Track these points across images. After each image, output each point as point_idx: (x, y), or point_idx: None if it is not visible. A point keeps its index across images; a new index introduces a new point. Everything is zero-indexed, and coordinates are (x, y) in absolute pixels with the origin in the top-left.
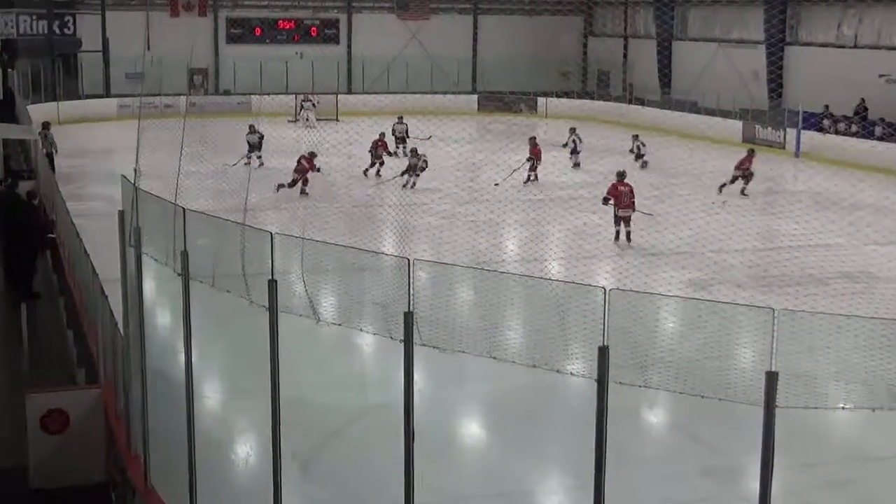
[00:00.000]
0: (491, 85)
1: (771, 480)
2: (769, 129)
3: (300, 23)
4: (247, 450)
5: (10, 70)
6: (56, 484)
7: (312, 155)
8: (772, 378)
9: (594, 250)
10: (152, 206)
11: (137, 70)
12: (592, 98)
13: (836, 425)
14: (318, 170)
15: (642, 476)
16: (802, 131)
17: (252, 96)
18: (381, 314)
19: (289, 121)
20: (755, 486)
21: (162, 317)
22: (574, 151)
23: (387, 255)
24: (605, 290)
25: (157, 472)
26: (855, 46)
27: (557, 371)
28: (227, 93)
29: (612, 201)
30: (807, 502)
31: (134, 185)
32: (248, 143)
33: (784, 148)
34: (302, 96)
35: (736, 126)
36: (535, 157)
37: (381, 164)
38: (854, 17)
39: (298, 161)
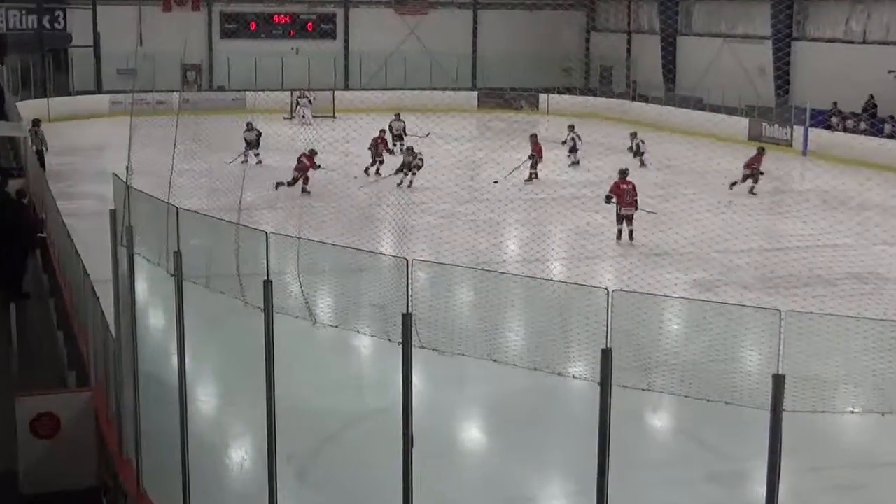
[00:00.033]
0: (491, 81)
1: (778, 485)
2: (776, 126)
3: (296, 17)
4: (241, 454)
5: None
6: (46, 489)
7: (313, 152)
8: (779, 381)
9: (597, 250)
10: (145, 204)
11: (129, 66)
12: (595, 95)
13: (844, 429)
14: (319, 167)
15: (646, 481)
16: (810, 129)
17: (247, 93)
18: (379, 316)
19: (284, 118)
20: (762, 491)
21: (154, 318)
22: (573, 150)
23: (385, 255)
24: (608, 292)
25: (150, 476)
26: (864, 42)
27: (559, 374)
28: (221, 89)
29: (614, 200)
30: None
31: (126, 183)
32: (246, 140)
33: (791, 146)
34: (298, 93)
35: (742, 123)
36: (536, 154)
37: (381, 162)
38: (863, 12)
39: (299, 159)
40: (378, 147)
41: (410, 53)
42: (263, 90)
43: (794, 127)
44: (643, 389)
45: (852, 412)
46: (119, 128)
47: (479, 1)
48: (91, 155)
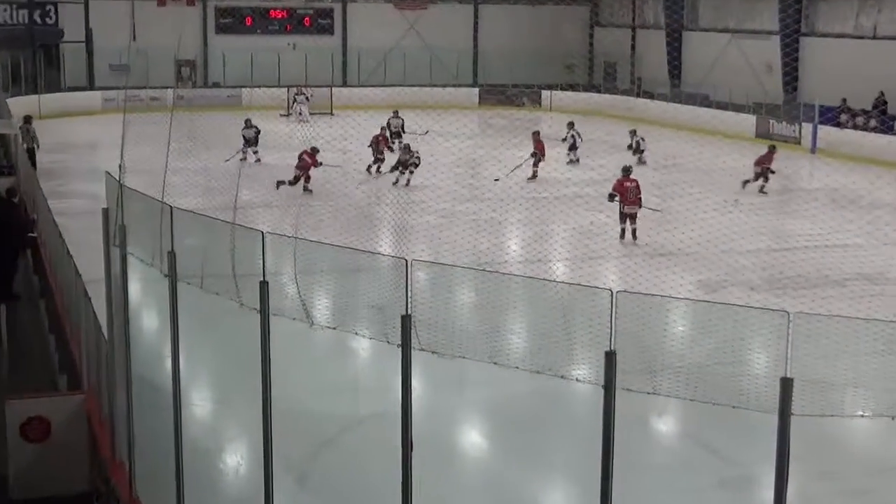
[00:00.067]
0: (492, 78)
1: (786, 491)
2: (784, 123)
3: (293, 12)
4: (237, 459)
5: None
6: (37, 494)
7: (315, 150)
8: (787, 384)
9: (601, 250)
10: (138, 203)
11: (122, 61)
12: (599, 91)
13: (853, 433)
14: (321, 164)
15: (651, 487)
16: (819, 126)
17: (242, 89)
18: (378, 317)
19: (281, 115)
20: (769, 496)
21: (148, 320)
22: (572, 147)
23: (383, 255)
24: (612, 293)
25: (143, 481)
26: (874, 37)
27: (562, 377)
28: (216, 85)
29: (617, 198)
30: None
31: (119, 181)
32: (244, 137)
33: (799, 143)
34: (295, 89)
35: (749, 121)
36: (539, 152)
37: (382, 160)
38: (873, 6)
39: (300, 157)
40: (379, 145)
41: (410, 49)
42: (259, 87)
43: (803, 124)
44: (648, 393)
45: (862, 416)
46: (112, 125)
47: None
48: (83, 153)
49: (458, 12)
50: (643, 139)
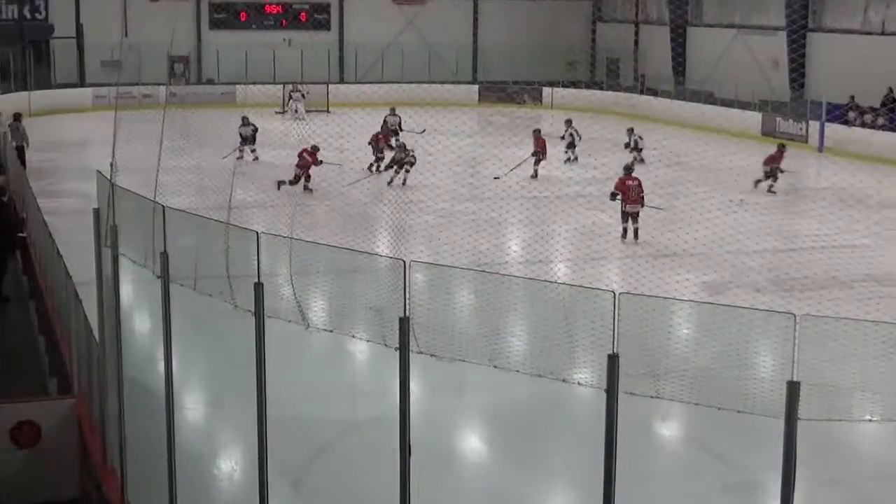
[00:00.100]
0: (492, 74)
1: (792, 497)
2: (790, 121)
3: (288, 7)
4: (231, 464)
5: None
6: (27, 500)
7: (315, 149)
8: (793, 388)
9: (603, 251)
10: (130, 203)
11: (114, 58)
12: (601, 88)
13: (861, 438)
14: (321, 163)
15: (655, 493)
16: (826, 124)
17: (237, 86)
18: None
19: (276, 112)
20: (775, 502)
21: (140, 322)
22: (571, 145)
23: (381, 256)
24: (614, 294)
25: (135, 487)
26: (882, 33)
27: (564, 380)
28: (210, 82)
29: (619, 196)
30: None
31: (110, 180)
32: (241, 135)
33: (806, 142)
34: (290, 86)
35: (755, 118)
36: (540, 151)
37: (381, 158)
38: (881, 2)
39: (300, 155)
40: (378, 143)
41: (408, 45)
42: (254, 83)
43: (810, 122)
44: (652, 397)
45: (870, 420)
46: (103, 123)
47: None
48: (74, 151)
49: (457, 7)
50: (641, 137)
